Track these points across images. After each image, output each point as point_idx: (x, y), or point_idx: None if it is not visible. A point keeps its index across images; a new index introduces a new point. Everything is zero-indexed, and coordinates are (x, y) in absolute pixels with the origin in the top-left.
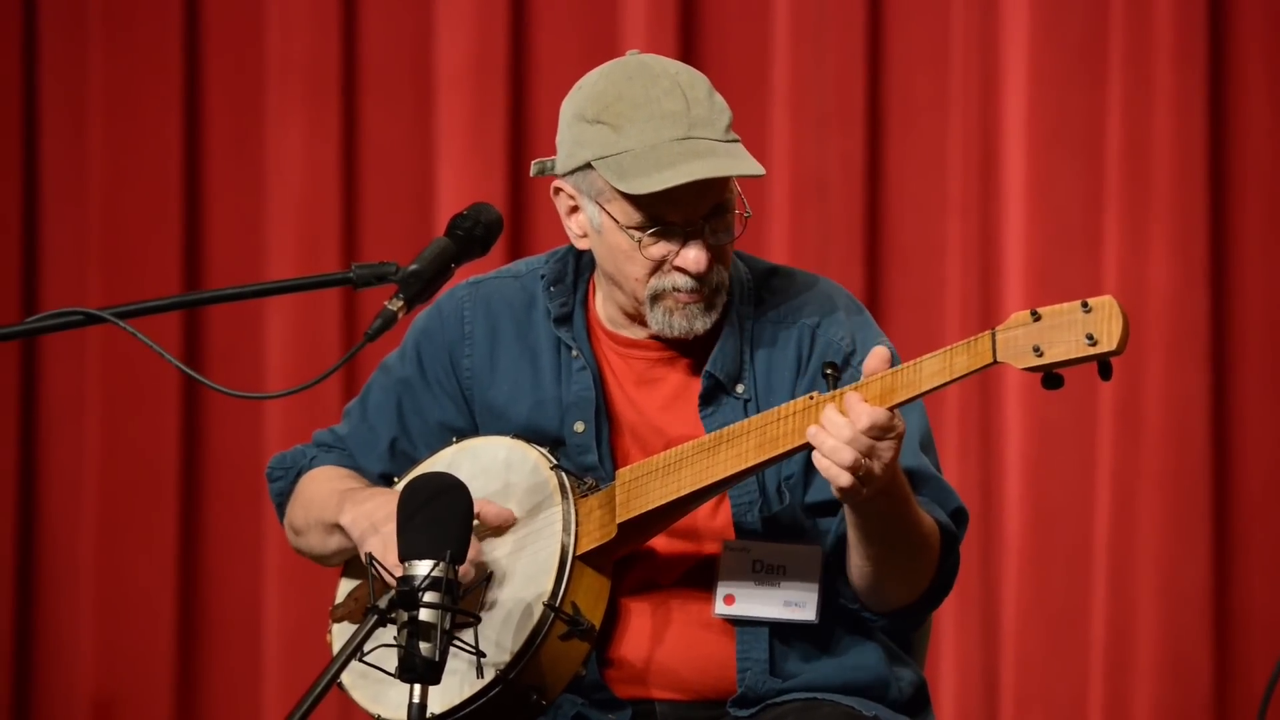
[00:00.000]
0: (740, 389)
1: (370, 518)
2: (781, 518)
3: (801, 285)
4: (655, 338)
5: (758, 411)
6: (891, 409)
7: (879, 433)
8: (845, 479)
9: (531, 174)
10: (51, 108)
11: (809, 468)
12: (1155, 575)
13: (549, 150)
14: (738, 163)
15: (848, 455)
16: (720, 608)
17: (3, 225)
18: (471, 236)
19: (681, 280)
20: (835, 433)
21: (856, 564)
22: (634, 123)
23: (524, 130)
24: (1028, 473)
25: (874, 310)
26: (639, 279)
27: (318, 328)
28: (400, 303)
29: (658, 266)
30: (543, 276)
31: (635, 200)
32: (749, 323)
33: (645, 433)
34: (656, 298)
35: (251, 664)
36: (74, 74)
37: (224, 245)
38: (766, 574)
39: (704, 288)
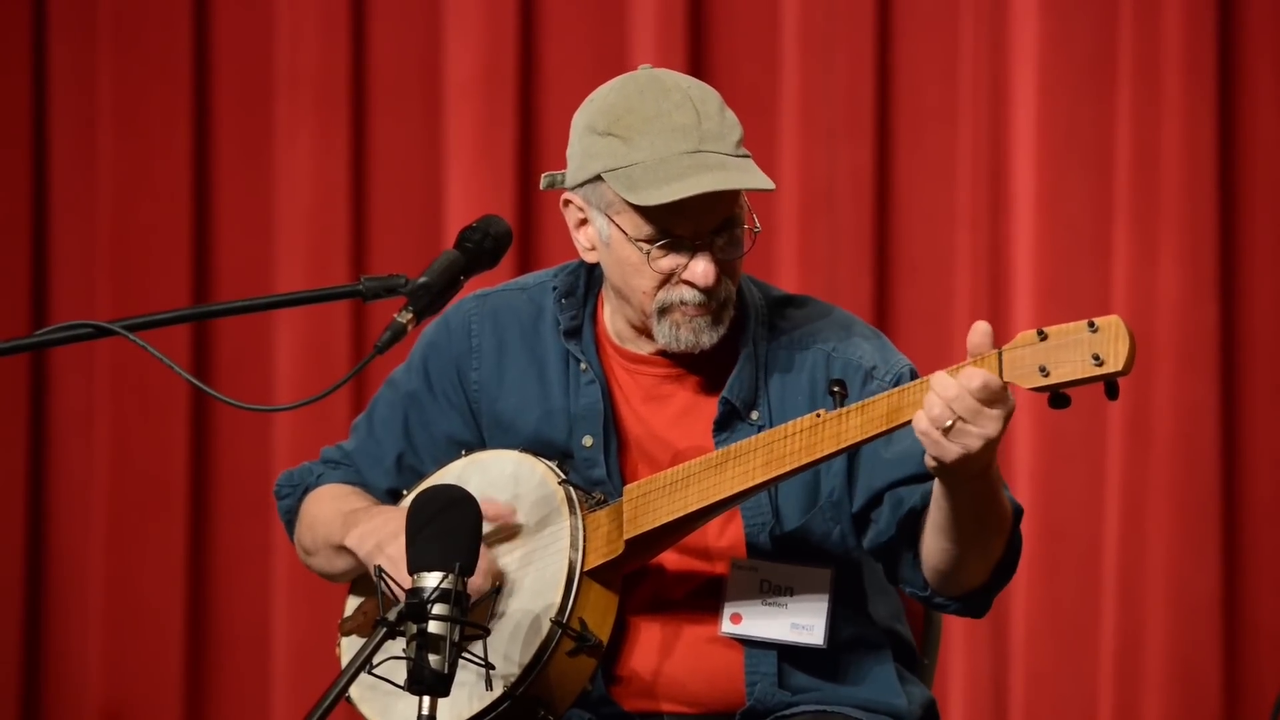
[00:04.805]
0: (755, 415)
1: (375, 535)
2: (794, 539)
3: (816, 313)
4: (663, 354)
5: None
6: (1006, 382)
7: (988, 395)
8: (935, 437)
9: (541, 187)
10: (61, 119)
11: (851, 479)
12: (1165, 586)
13: (558, 162)
14: (747, 177)
15: (940, 412)
16: (727, 626)
17: (12, 237)
18: (480, 249)
19: (689, 294)
20: (941, 392)
21: (942, 547)
22: (644, 135)
23: (533, 142)
24: (1037, 483)
25: (883, 322)
26: (647, 292)
27: (327, 340)
28: (409, 315)
29: (665, 280)
30: (554, 289)
31: (644, 212)
32: (763, 348)
33: (653, 448)
34: (664, 311)
35: (260, 677)
36: (83, 85)
37: (233, 257)
38: (774, 594)
39: (711, 301)
